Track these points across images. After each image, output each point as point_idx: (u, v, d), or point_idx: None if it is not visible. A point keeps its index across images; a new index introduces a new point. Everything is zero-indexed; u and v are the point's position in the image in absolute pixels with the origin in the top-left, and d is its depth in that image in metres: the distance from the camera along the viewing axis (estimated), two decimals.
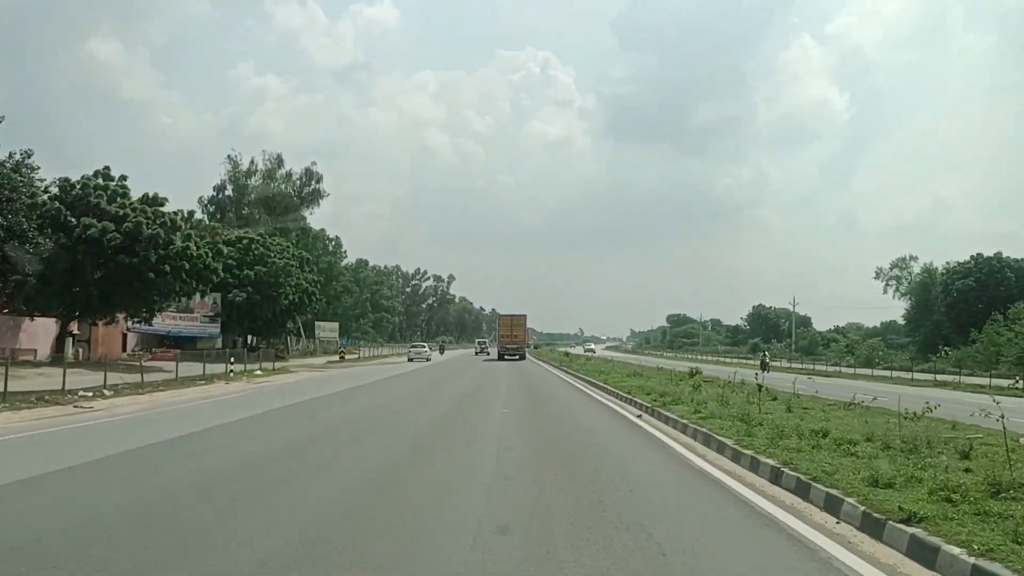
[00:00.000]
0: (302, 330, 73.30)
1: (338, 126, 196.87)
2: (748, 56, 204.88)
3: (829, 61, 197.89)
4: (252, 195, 62.03)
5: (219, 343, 46.60)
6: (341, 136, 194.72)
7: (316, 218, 70.56)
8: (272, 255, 47.93)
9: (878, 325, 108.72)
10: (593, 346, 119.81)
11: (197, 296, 45.66)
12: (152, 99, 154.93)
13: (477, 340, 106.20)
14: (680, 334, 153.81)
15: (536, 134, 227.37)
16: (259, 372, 31.71)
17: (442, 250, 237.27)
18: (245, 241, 47.74)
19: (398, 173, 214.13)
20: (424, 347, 66.10)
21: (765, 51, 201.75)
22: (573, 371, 36.35)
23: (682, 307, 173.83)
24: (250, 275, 46.15)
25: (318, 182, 64.98)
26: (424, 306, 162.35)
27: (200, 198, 61.81)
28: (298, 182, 64.22)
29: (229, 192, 61.39)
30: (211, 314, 46.06)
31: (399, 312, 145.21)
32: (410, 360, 55.83)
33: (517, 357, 58.02)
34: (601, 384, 25.12)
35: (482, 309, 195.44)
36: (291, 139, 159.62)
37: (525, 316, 62.81)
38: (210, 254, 35.26)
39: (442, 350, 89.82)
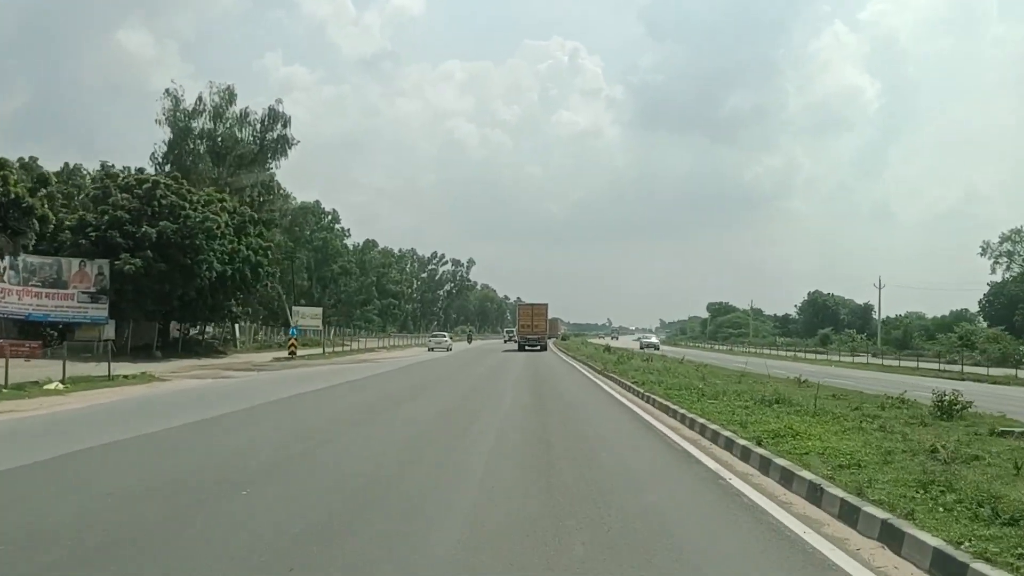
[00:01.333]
0: (290, 316, 59.45)
1: (365, 116, 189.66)
2: (779, 44, 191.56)
3: (861, 49, 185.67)
4: (198, 141, 47.82)
5: (110, 331, 32.35)
6: (368, 126, 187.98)
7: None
8: (188, 206, 33.44)
9: (947, 314, 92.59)
10: (654, 339, 78.18)
11: (74, 264, 31.77)
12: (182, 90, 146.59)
13: (506, 330, 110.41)
14: (724, 324, 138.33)
15: (564, 123, 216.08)
16: (57, 386, 17.21)
17: (468, 240, 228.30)
18: (146, 186, 33.30)
19: (424, 163, 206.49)
20: (445, 337, 66.93)
21: (796, 39, 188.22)
22: (632, 383, 20.28)
23: (712, 296, 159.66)
24: (150, 233, 31.67)
25: (285, 126, 50.01)
26: (441, 292, 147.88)
27: (153, 154, 47.89)
28: (258, 125, 49.53)
29: (166, 137, 47.05)
30: (93, 290, 31.83)
31: (413, 299, 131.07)
32: (430, 350, 56.38)
33: (539, 348, 56.71)
34: (766, 453, 9.92)
35: (506, 297, 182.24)
36: (318, 128, 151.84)
37: (546, 305, 61.21)
38: (13, 180, 20.80)
39: (470, 339, 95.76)
